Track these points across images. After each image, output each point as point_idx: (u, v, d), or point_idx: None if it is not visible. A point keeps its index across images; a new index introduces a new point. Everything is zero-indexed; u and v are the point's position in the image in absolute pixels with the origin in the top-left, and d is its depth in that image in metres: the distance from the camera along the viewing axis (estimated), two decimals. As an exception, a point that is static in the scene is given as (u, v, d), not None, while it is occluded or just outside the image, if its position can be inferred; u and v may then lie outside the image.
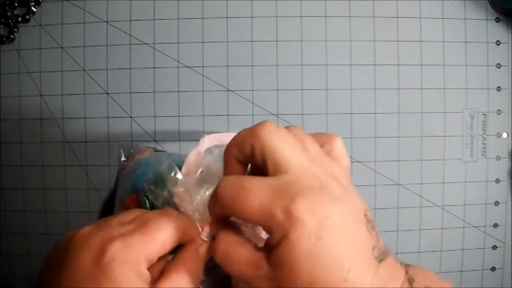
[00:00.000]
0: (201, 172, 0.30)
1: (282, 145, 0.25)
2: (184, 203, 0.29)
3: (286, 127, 0.27)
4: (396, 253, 0.50)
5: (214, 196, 0.26)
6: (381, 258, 0.24)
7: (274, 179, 0.24)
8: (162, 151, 0.49)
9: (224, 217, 0.27)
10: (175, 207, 0.29)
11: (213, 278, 0.30)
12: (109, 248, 0.24)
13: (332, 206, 0.24)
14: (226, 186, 0.25)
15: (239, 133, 0.27)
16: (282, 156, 0.24)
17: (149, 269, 0.25)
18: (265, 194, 0.24)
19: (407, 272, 0.25)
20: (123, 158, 0.48)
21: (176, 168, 0.31)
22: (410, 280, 0.25)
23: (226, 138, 0.29)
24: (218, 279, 0.31)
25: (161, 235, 0.25)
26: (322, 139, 0.28)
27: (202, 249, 0.29)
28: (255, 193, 0.24)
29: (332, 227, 0.23)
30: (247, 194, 0.24)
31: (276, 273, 0.24)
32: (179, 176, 0.30)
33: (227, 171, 0.28)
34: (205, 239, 0.29)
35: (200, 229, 0.29)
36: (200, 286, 0.29)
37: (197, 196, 0.29)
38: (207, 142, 0.32)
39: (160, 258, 0.26)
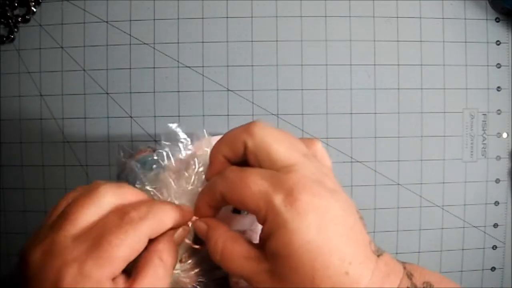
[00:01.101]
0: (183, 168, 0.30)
1: (276, 141, 0.25)
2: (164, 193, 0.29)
3: None
4: (396, 253, 0.50)
5: (212, 186, 0.26)
6: (379, 253, 0.24)
7: (273, 171, 0.24)
8: (161, 151, 0.49)
9: (213, 210, 0.27)
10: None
11: (212, 280, 0.30)
12: (65, 281, 0.22)
13: (331, 199, 0.24)
14: (230, 172, 0.25)
15: (229, 131, 0.27)
16: (276, 152, 0.25)
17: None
18: (265, 182, 0.24)
19: (405, 268, 0.25)
20: (122, 160, 0.48)
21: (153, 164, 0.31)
22: (409, 275, 0.25)
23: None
24: (217, 281, 0.31)
25: (121, 252, 0.23)
26: (304, 143, 0.29)
27: (179, 234, 0.27)
28: (256, 179, 0.24)
29: (332, 218, 0.23)
30: (247, 179, 0.24)
31: (275, 266, 0.23)
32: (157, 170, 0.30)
33: (213, 168, 0.27)
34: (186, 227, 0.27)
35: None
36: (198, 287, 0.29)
37: (176, 187, 0.29)
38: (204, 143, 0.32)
39: None
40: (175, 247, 0.27)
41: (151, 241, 0.25)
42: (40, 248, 0.23)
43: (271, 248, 0.23)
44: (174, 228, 0.27)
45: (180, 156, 0.31)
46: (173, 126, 0.32)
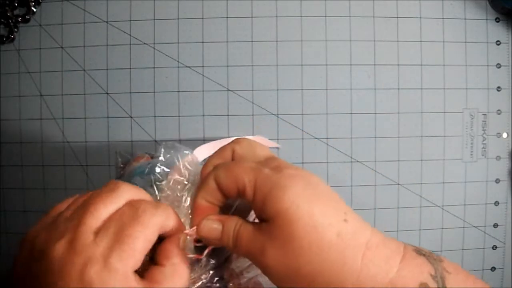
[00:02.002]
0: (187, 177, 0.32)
1: (258, 144, 0.30)
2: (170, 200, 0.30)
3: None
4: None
5: (207, 176, 0.28)
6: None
7: (259, 162, 0.28)
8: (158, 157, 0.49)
9: (212, 207, 0.28)
10: None
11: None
12: (91, 277, 0.22)
13: (309, 173, 0.27)
14: (222, 164, 0.29)
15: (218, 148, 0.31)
16: (261, 149, 0.29)
17: None
18: (254, 163, 0.27)
19: None
20: (120, 166, 0.48)
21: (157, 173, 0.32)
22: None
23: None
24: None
25: (141, 244, 0.24)
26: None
27: (182, 242, 0.28)
28: (246, 162, 0.27)
29: (316, 184, 0.26)
30: (238, 162, 0.28)
31: (277, 230, 0.24)
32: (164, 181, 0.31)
33: (203, 175, 0.30)
34: (187, 232, 0.28)
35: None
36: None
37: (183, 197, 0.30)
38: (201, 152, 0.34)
39: None
40: (187, 259, 0.27)
41: (164, 254, 0.26)
42: (62, 243, 0.23)
43: (267, 212, 0.25)
44: (172, 235, 0.27)
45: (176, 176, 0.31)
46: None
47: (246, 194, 0.26)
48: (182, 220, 0.29)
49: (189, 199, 0.30)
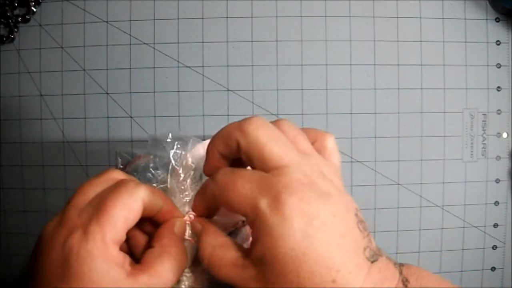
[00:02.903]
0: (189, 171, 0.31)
1: (269, 141, 0.24)
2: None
3: (276, 121, 0.26)
4: (396, 253, 0.50)
5: (205, 187, 0.26)
6: (373, 259, 0.24)
7: (263, 173, 0.24)
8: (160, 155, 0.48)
9: (210, 210, 0.27)
10: None
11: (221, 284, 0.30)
12: (71, 245, 0.23)
13: (322, 204, 0.23)
14: (221, 175, 0.25)
15: (226, 126, 0.26)
16: (269, 152, 0.24)
17: (121, 246, 0.25)
18: (253, 185, 0.23)
19: (401, 273, 0.24)
20: (120, 166, 0.48)
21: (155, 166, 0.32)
22: (405, 281, 0.24)
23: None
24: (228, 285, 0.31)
25: (118, 211, 0.24)
26: (314, 135, 0.28)
27: (177, 227, 0.27)
28: (244, 182, 0.24)
29: (320, 225, 0.22)
30: (236, 182, 0.24)
31: (261, 273, 0.23)
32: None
33: (208, 164, 0.27)
34: (185, 218, 0.28)
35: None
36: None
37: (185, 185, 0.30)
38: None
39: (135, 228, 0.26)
40: (181, 242, 0.27)
41: (156, 238, 0.26)
42: (52, 222, 0.25)
43: (257, 254, 0.23)
44: (167, 219, 0.27)
45: (177, 167, 0.31)
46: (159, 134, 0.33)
47: (246, 220, 0.25)
48: (180, 209, 0.28)
49: (189, 181, 0.30)
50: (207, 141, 0.27)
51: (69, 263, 0.22)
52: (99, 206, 0.24)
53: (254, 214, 0.23)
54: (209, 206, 0.27)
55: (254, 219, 0.23)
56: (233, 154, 0.26)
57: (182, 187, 0.30)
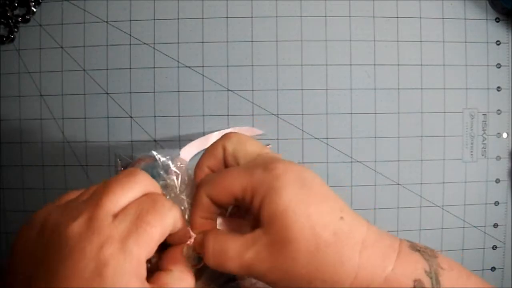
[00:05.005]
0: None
1: (249, 139, 0.29)
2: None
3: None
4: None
5: (197, 192, 0.28)
6: None
7: (249, 162, 0.28)
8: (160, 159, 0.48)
9: (208, 217, 0.28)
10: None
11: (220, 285, 0.30)
12: (107, 257, 0.22)
13: (304, 167, 0.27)
14: (209, 175, 0.29)
15: (208, 147, 0.30)
16: (251, 144, 0.29)
17: None
18: (243, 168, 0.27)
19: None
20: (120, 169, 0.48)
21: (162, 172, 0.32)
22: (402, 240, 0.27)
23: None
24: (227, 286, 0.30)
25: (156, 232, 0.24)
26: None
27: (185, 249, 0.28)
28: (235, 169, 0.27)
29: (313, 177, 0.26)
30: (227, 171, 0.28)
31: (273, 233, 0.24)
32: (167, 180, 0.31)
33: (197, 177, 0.30)
34: (188, 243, 0.28)
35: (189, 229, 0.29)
36: None
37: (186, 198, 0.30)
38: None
39: None
40: (187, 264, 0.27)
41: (171, 260, 0.27)
42: (80, 222, 0.23)
43: (265, 215, 0.25)
44: (177, 242, 0.28)
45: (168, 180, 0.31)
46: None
47: (245, 200, 0.26)
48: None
49: (187, 200, 0.30)
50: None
51: (104, 277, 0.22)
52: (138, 222, 0.24)
53: (251, 183, 0.26)
54: (207, 214, 0.28)
55: (252, 188, 0.25)
56: (220, 161, 0.29)
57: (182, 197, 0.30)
